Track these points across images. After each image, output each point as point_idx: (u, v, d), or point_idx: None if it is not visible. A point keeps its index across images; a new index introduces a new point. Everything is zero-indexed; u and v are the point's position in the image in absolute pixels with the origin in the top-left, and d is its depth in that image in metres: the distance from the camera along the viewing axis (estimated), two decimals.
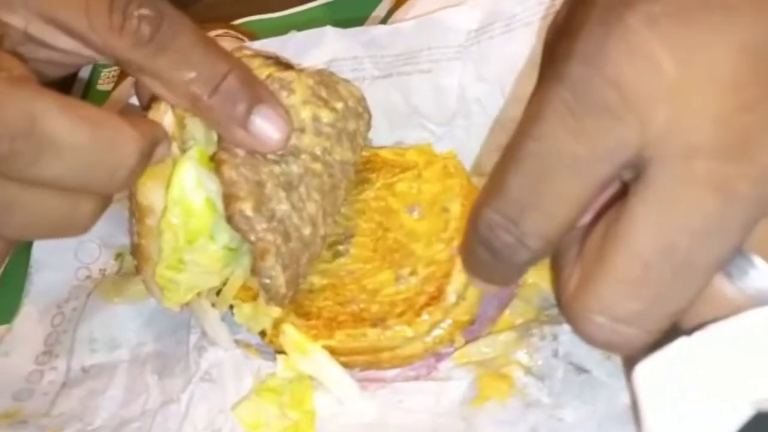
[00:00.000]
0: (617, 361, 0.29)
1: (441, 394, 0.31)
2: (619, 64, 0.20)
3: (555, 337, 0.31)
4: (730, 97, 0.19)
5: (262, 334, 0.34)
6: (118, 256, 0.44)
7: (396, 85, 0.39)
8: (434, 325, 0.31)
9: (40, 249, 0.44)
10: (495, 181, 0.22)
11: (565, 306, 0.22)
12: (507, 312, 0.33)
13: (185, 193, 0.30)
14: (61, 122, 0.24)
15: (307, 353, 0.31)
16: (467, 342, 0.32)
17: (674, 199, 0.20)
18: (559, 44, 0.22)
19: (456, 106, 0.38)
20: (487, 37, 0.38)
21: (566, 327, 0.31)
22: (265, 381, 0.33)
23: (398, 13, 0.42)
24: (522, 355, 0.31)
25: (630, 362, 0.22)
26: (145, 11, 0.26)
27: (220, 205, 0.29)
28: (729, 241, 0.20)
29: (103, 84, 0.53)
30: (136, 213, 0.31)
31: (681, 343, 0.20)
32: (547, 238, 0.22)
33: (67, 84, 0.52)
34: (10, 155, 0.24)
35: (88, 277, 0.44)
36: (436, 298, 0.30)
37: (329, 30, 0.40)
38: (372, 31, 0.40)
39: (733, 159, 0.19)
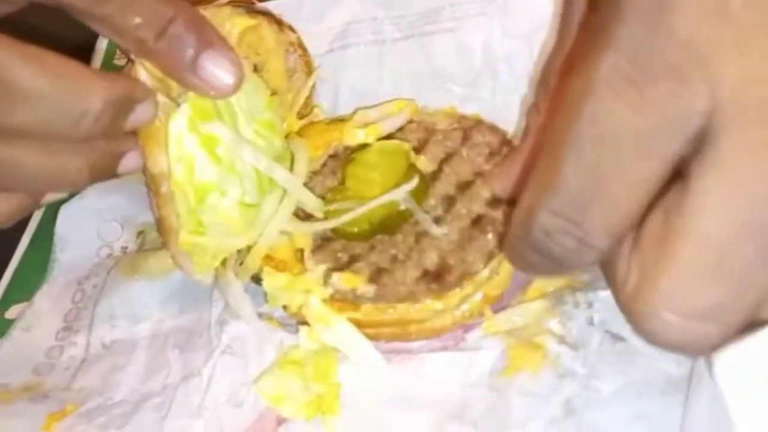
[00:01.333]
0: None
1: (470, 365, 0.30)
2: (682, 16, 0.18)
3: (590, 305, 0.29)
4: None
5: (284, 306, 0.33)
6: (140, 233, 0.44)
7: (418, 46, 0.37)
8: (465, 298, 0.29)
9: (64, 227, 0.44)
10: (545, 176, 0.20)
11: (625, 307, 0.20)
12: (537, 280, 0.32)
13: (183, 148, 0.29)
14: (23, 70, 0.25)
15: (331, 325, 0.30)
16: (496, 311, 0.31)
17: (750, 165, 0.17)
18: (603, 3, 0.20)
19: (481, 66, 0.36)
20: None
21: (601, 294, 0.30)
22: (287, 353, 0.32)
23: None
24: (555, 324, 0.29)
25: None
26: None
27: (225, 158, 0.29)
28: None
29: (120, 59, 0.52)
30: (152, 185, 0.31)
31: (766, 333, 0.19)
32: (615, 234, 0.20)
33: (85, 56, 0.51)
34: None
35: (110, 255, 0.43)
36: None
37: None
38: None
39: None
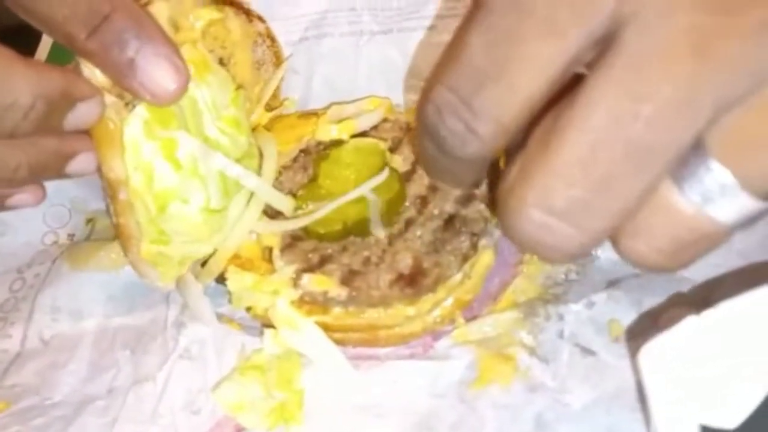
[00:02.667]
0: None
1: (439, 375, 0.29)
2: None
3: (561, 317, 0.29)
4: None
5: (248, 308, 0.31)
6: (89, 221, 0.41)
7: (396, 42, 0.36)
8: (437, 303, 0.29)
9: (9, 211, 0.41)
10: (452, 52, 0.19)
11: (498, 201, 0.20)
12: (509, 290, 0.31)
13: (140, 155, 0.27)
14: None
15: (298, 329, 0.28)
16: (467, 321, 0.30)
17: (643, 63, 0.17)
18: None
19: None
20: None
21: (573, 307, 0.30)
22: (249, 358, 0.30)
23: None
24: (525, 336, 0.29)
25: (635, 344, 0.20)
26: None
27: (186, 163, 0.27)
28: (696, 119, 0.17)
29: None
30: (109, 190, 0.29)
31: (689, 322, 0.19)
32: (502, 122, 0.19)
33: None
34: None
35: (55, 242, 0.41)
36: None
37: None
38: None
39: (720, 11, 0.17)
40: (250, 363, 0.30)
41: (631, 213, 0.18)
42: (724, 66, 0.17)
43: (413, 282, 0.28)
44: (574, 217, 0.18)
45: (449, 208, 0.30)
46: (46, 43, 0.47)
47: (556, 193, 0.18)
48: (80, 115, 0.26)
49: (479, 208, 0.30)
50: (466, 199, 0.30)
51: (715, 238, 0.19)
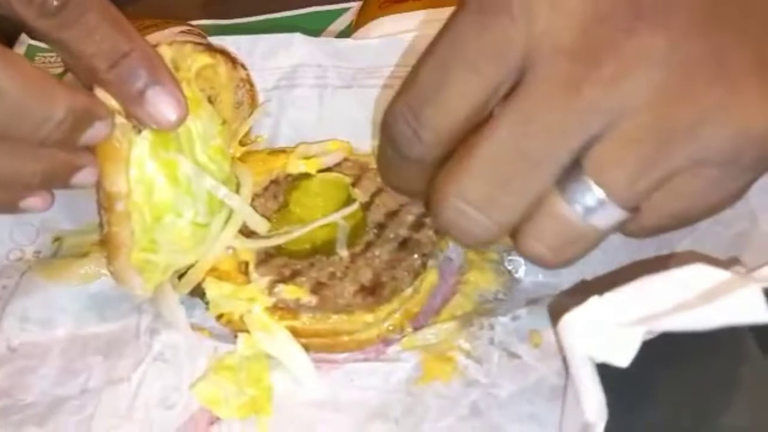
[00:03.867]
0: (545, 349, 0.34)
1: (389, 374, 0.34)
2: None
3: (491, 327, 0.35)
4: (590, 5, 0.22)
5: (219, 316, 0.35)
6: (56, 240, 0.43)
7: (357, 96, 0.42)
8: (391, 313, 0.34)
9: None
10: (410, 75, 0.25)
11: (429, 194, 0.25)
12: (449, 305, 0.37)
13: (144, 171, 0.31)
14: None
15: (271, 333, 0.33)
16: (415, 329, 0.36)
17: (534, 97, 0.23)
18: None
19: None
20: None
21: (501, 319, 0.35)
22: (222, 359, 0.34)
23: (362, 31, 0.46)
24: (463, 342, 0.35)
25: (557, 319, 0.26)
26: None
27: (183, 181, 0.31)
28: (568, 141, 0.23)
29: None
30: (105, 202, 0.32)
31: (593, 299, 0.25)
32: (439, 132, 0.25)
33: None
34: None
35: (20, 258, 0.43)
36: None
37: (298, 36, 0.43)
38: (338, 43, 0.43)
39: (584, 62, 0.22)
40: (222, 364, 0.34)
41: (527, 213, 0.24)
42: (585, 105, 0.23)
43: (374, 292, 0.33)
44: (482, 207, 0.24)
45: (403, 232, 0.36)
46: (22, 44, 0.50)
47: (470, 187, 0.24)
48: (96, 131, 0.30)
49: (429, 233, 0.35)
50: (418, 226, 0.36)
51: (592, 240, 0.24)
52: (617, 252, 0.38)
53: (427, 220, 0.36)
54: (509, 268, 0.38)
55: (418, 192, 0.28)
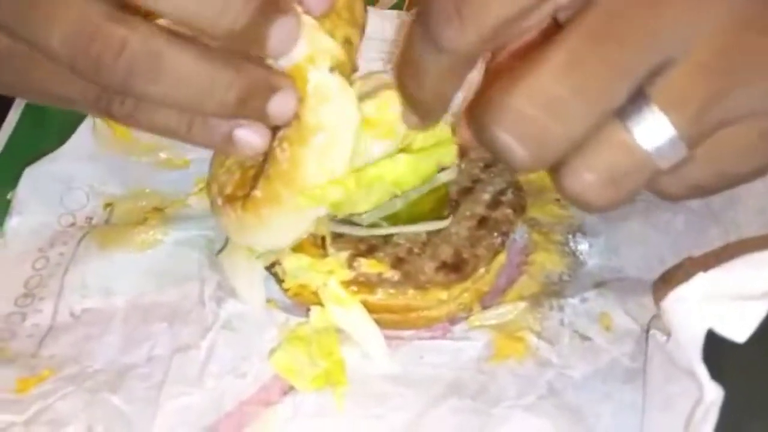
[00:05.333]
0: (615, 331, 0.34)
1: (459, 352, 0.34)
2: None
3: (561, 308, 0.35)
4: None
5: (287, 289, 0.35)
6: (108, 205, 0.43)
7: None
8: (465, 290, 0.34)
9: (26, 190, 0.42)
10: None
11: (481, 101, 0.23)
12: (515, 286, 0.37)
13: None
14: None
15: (346, 307, 0.32)
16: (483, 308, 0.35)
17: (613, 8, 0.22)
18: None
19: None
20: None
21: (570, 300, 0.36)
22: (295, 330, 0.34)
23: None
24: (533, 322, 0.35)
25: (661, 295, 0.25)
26: None
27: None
28: (645, 56, 0.22)
29: None
30: (294, 135, 0.29)
31: (699, 276, 0.25)
32: (481, 26, 0.23)
33: None
34: None
35: (73, 224, 0.42)
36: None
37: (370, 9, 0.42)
38: (406, 17, 0.43)
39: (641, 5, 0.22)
40: (295, 334, 0.33)
41: (586, 135, 0.23)
42: (666, 21, 0.22)
43: (456, 269, 0.33)
44: (552, 110, 0.22)
45: (480, 210, 0.35)
46: None
47: (539, 88, 0.22)
48: (286, 31, 0.26)
49: (506, 212, 0.35)
50: (495, 204, 0.35)
51: (645, 176, 0.23)
52: (680, 236, 0.38)
53: (504, 199, 0.36)
54: (574, 249, 0.38)
55: (432, 97, 0.26)
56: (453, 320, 0.35)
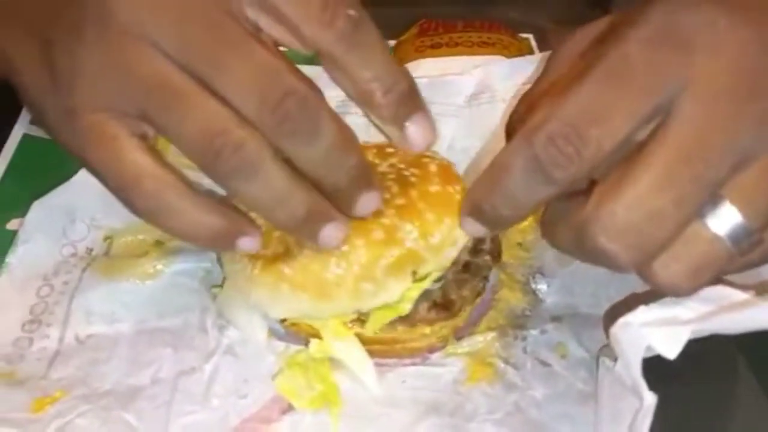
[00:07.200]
0: (570, 359, 0.39)
1: (438, 376, 0.38)
2: (703, 9, 0.25)
3: (524, 338, 0.40)
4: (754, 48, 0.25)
5: (283, 320, 0.39)
6: (107, 238, 0.46)
7: None
8: (444, 326, 0.39)
9: (33, 222, 0.44)
10: (562, 93, 0.26)
11: (586, 214, 0.26)
12: (485, 319, 0.42)
13: None
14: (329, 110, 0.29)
15: (343, 340, 0.37)
16: (457, 339, 0.40)
17: (695, 128, 0.25)
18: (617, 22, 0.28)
19: (446, 154, 0.47)
20: (476, 103, 0.49)
21: (532, 332, 0.41)
22: (294, 356, 0.38)
23: None
24: (500, 350, 0.40)
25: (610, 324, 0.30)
26: (352, 12, 0.28)
27: None
28: (722, 169, 0.25)
29: None
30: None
31: (641, 308, 0.29)
32: (602, 151, 0.25)
33: None
34: (290, 120, 0.27)
35: (74, 254, 0.45)
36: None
37: None
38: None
39: (739, 100, 0.25)
40: (295, 360, 0.37)
41: (673, 236, 0.26)
42: (741, 137, 0.26)
43: (445, 308, 0.38)
44: (653, 220, 0.26)
45: (464, 256, 0.40)
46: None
47: (641, 202, 0.26)
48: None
49: (485, 258, 0.40)
50: (476, 252, 0.40)
51: (724, 261, 0.27)
52: (625, 278, 0.43)
53: (483, 247, 0.41)
54: (534, 288, 0.44)
55: (520, 216, 0.29)
56: (432, 349, 0.40)
